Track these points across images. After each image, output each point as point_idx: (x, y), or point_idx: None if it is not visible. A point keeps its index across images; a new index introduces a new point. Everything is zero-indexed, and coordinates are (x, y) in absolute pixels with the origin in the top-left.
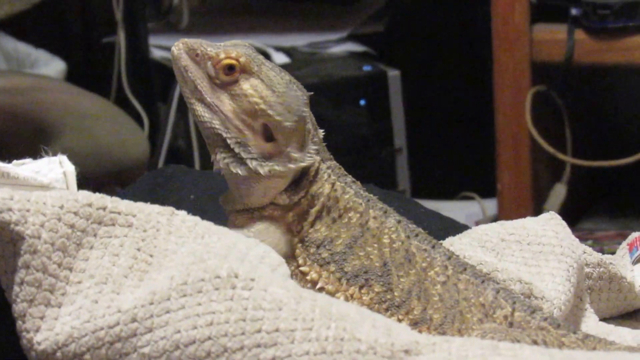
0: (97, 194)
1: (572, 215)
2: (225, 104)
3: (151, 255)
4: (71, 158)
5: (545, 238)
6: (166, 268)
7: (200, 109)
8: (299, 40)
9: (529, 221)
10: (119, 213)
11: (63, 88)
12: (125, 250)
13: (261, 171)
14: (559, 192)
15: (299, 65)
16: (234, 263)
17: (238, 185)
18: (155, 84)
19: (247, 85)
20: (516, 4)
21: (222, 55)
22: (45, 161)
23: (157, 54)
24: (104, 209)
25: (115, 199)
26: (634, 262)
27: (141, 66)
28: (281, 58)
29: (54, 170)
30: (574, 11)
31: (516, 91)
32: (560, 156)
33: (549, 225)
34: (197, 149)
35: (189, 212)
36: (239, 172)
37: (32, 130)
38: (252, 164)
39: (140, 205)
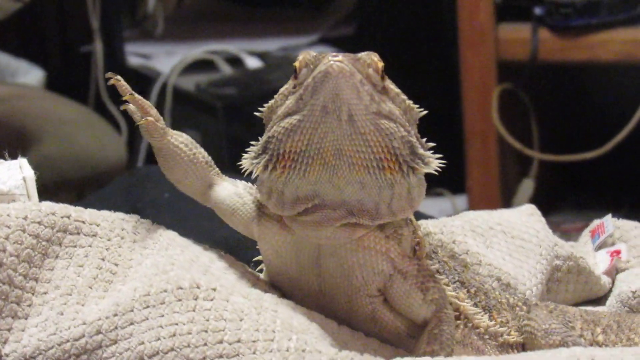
0: (60, 204)
1: (540, 209)
2: (393, 108)
3: (116, 264)
4: (51, 164)
5: (528, 235)
6: (130, 279)
7: (384, 122)
8: (272, 45)
9: (513, 214)
10: (83, 222)
11: (42, 96)
12: (90, 260)
13: (434, 169)
14: (527, 187)
15: (272, 68)
16: (196, 274)
17: (410, 190)
18: (133, 91)
19: (392, 85)
20: (481, 4)
21: (376, 58)
22: (5, 166)
23: (133, 61)
24: (69, 217)
25: (79, 208)
26: (596, 249)
27: (118, 73)
28: (255, 62)
29: (14, 176)
30: (537, 10)
31: (483, 89)
32: (528, 152)
33: (531, 222)
34: None
35: (163, 211)
36: (421, 175)
37: (12, 137)
38: (433, 164)
39: (105, 213)
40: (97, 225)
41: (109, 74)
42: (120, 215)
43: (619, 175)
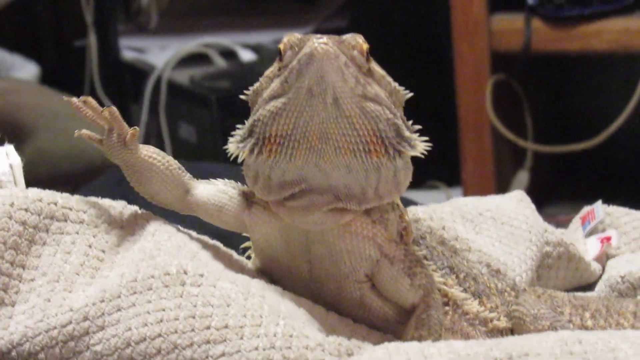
0: (47, 191)
1: (535, 200)
2: (378, 91)
3: (103, 251)
4: (45, 157)
5: (517, 221)
6: (117, 265)
7: (370, 104)
8: (265, 38)
9: (502, 200)
10: (70, 209)
11: (36, 90)
12: (77, 247)
13: (421, 152)
14: (522, 178)
15: (266, 61)
16: (184, 260)
17: (396, 173)
18: (127, 85)
19: (377, 67)
20: None
21: (360, 40)
22: None
23: (127, 55)
24: (55, 203)
25: (66, 195)
26: (587, 235)
27: (113, 68)
28: (248, 55)
29: (0, 163)
30: (530, 0)
31: (476, 80)
32: (522, 143)
33: (520, 208)
34: (170, 147)
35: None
36: (407, 158)
37: (7, 131)
38: (419, 147)
39: (92, 200)
40: (84, 212)
41: (75, 101)
42: (107, 201)
43: (614, 166)
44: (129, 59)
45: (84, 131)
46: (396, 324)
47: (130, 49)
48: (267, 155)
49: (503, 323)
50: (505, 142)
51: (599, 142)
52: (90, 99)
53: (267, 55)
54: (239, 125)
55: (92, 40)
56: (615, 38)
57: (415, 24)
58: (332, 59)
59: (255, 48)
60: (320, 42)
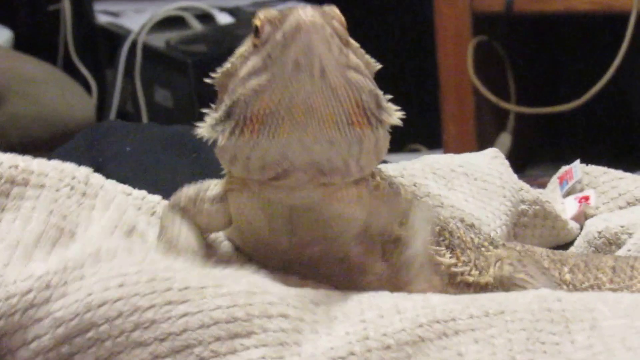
0: (9, 154)
1: (518, 162)
2: (358, 61)
3: (64, 217)
4: (18, 123)
5: (491, 177)
6: (80, 238)
7: (353, 75)
8: (243, 0)
9: (475, 156)
10: (31, 172)
11: (8, 55)
12: (37, 213)
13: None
14: (504, 140)
15: (243, 24)
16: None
17: (377, 143)
18: (102, 50)
19: (351, 39)
20: None
21: (338, 12)
22: None
23: (102, 19)
24: (16, 167)
25: (28, 157)
26: (564, 195)
27: (87, 32)
28: (226, 18)
29: None
30: None
31: (458, 42)
32: (504, 105)
33: (494, 165)
34: (145, 112)
35: (125, 164)
36: (387, 128)
37: None
38: (394, 117)
39: (54, 163)
40: (46, 176)
41: None
42: (71, 165)
43: (597, 127)
44: (104, 23)
45: None
46: (375, 279)
47: (104, 12)
48: (249, 136)
49: (473, 277)
50: (487, 104)
51: (581, 104)
52: None
53: (245, 18)
54: (207, 111)
55: (66, 4)
56: None
57: None
58: (320, 30)
59: (232, 11)
60: (306, 14)
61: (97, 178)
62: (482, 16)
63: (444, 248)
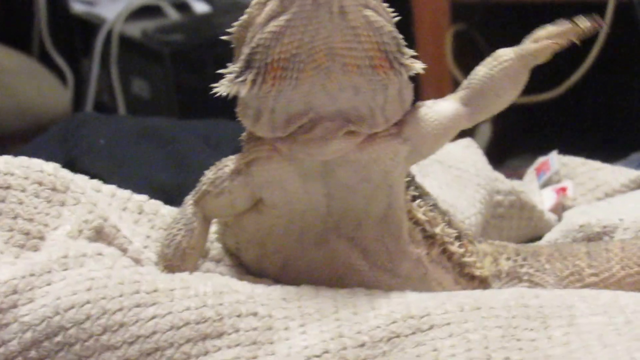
0: None
1: (499, 153)
2: (376, 3)
3: (30, 220)
4: None
5: (464, 165)
6: (48, 238)
7: (370, 13)
8: None
9: (449, 146)
10: None
11: None
12: (2, 219)
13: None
14: (484, 131)
15: (220, 13)
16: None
17: (400, 91)
18: (77, 39)
19: None
20: None
21: None
22: None
23: (77, 7)
24: None
25: None
26: (542, 186)
27: (62, 21)
28: (202, 7)
29: None
30: None
31: (436, 31)
32: None
33: (468, 154)
34: (122, 103)
35: (99, 157)
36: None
37: None
38: (416, 63)
39: (21, 160)
40: (12, 175)
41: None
42: (38, 161)
43: (577, 116)
44: (79, 12)
45: None
46: (409, 244)
47: (79, 1)
48: (272, 83)
49: (478, 271)
50: None
51: (560, 93)
52: None
53: (222, 7)
54: (223, 70)
55: None
56: None
57: None
58: None
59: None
60: None
61: (66, 173)
62: (461, 4)
63: (453, 238)
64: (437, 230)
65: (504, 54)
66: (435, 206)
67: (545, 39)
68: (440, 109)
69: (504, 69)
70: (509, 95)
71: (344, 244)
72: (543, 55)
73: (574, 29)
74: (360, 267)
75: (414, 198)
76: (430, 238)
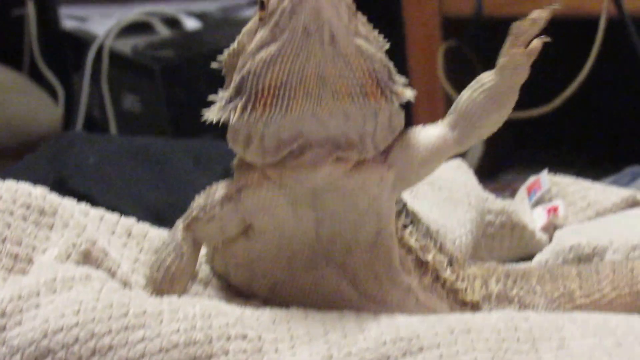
0: None
1: (491, 168)
2: (367, 32)
3: (19, 243)
4: None
5: (455, 185)
6: (37, 261)
7: (361, 42)
8: (210, 5)
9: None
10: None
11: None
12: None
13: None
14: (476, 146)
15: (211, 29)
16: (111, 262)
17: (391, 118)
18: (68, 55)
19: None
20: None
21: None
22: None
23: (68, 24)
24: None
25: None
26: (533, 206)
27: (52, 37)
28: (193, 24)
29: None
30: None
31: (428, 47)
32: None
33: (458, 175)
34: (113, 120)
35: (89, 177)
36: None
37: None
38: (407, 91)
39: (9, 184)
40: (0, 198)
41: None
42: (26, 185)
43: (570, 132)
44: (70, 28)
45: None
46: (401, 271)
47: (70, 17)
48: (262, 110)
49: (470, 296)
50: None
51: (553, 108)
52: None
53: (212, 23)
54: (211, 98)
55: (31, 9)
56: (568, 2)
57: None
58: None
59: (199, 16)
60: None
61: (54, 196)
62: (452, 20)
63: (446, 263)
64: (430, 257)
65: (485, 76)
66: (427, 232)
67: (509, 48)
68: (427, 135)
69: (485, 90)
70: (496, 117)
71: (334, 271)
72: (519, 69)
73: (524, 26)
74: (350, 295)
75: (406, 225)
76: (422, 266)
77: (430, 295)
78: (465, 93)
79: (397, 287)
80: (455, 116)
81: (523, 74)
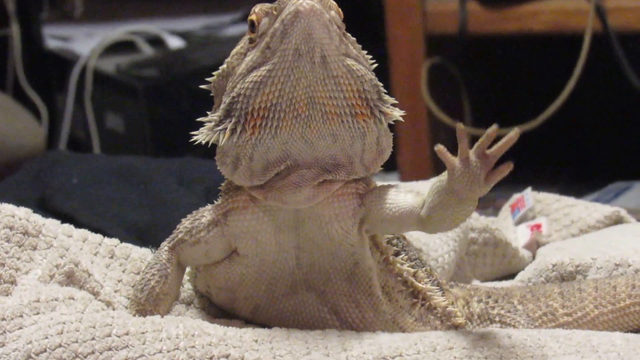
0: None
1: None
2: (357, 52)
3: (2, 265)
4: None
5: None
6: (20, 282)
7: (352, 62)
8: (194, 24)
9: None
10: None
11: None
12: None
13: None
14: None
15: (194, 48)
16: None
17: (379, 139)
18: (51, 75)
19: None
20: None
21: (335, 3)
22: None
23: (52, 44)
24: None
25: None
26: (516, 223)
27: (36, 57)
28: (177, 42)
29: None
30: None
31: (411, 64)
32: None
33: None
34: (97, 139)
35: (72, 197)
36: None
37: None
38: (396, 110)
39: None
40: None
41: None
42: (9, 206)
43: (553, 149)
44: (54, 48)
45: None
46: (378, 297)
47: (54, 37)
48: (251, 132)
49: (460, 319)
50: (442, 126)
51: (537, 125)
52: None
53: (195, 42)
54: (201, 119)
55: (15, 29)
56: (552, 19)
57: (348, 6)
58: (319, 15)
59: (183, 35)
60: (305, 1)
61: (38, 217)
62: (436, 37)
63: (438, 289)
64: (421, 286)
65: (441, 175)
66: (419, 258)
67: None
68: (403, 200)
69: (439, 187)
70: (455, 215)
71: (314, 298)
72: (451, 170)
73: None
74: (331, 322)
75: (399, 253)
76: (413, 296)
77: (422, 327)
78: (433, 183)
79: (380, 317)
80: (423, 200)
81: (460, 181)
